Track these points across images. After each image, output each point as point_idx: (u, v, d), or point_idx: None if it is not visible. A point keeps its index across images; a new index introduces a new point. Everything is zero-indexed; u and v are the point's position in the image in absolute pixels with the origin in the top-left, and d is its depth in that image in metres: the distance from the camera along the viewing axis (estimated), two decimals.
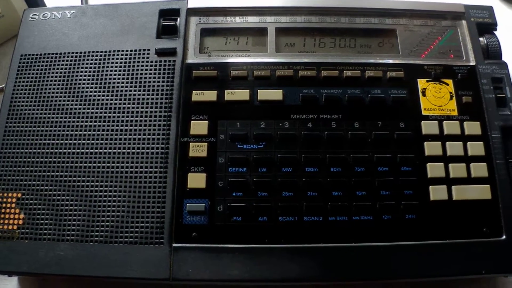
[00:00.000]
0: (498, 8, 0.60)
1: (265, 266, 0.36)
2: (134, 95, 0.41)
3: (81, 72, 0.42)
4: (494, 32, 0.45)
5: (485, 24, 0.45)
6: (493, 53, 0.44)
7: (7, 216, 0.38)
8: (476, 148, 0.40)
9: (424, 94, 0.42)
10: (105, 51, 0.43)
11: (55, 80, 0.42)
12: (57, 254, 0.36)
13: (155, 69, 0.42)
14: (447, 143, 0.40)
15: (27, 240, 0.37)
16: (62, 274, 0.36)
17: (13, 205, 0.38)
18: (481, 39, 0.45)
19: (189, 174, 0.38)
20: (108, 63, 0.42)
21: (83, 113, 0.41)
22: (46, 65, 0.43)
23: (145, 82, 0.41)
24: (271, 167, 0.39)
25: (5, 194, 0.39)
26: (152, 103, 0.40)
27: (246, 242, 0.37)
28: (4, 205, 0.38)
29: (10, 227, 0.38)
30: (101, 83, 0.41)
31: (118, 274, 0.36)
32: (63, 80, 0.42)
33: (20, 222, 0.38)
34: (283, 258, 0.36)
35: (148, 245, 0.36)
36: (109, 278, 0.36)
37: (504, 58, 0.44)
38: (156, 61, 0.42)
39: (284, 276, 0.36)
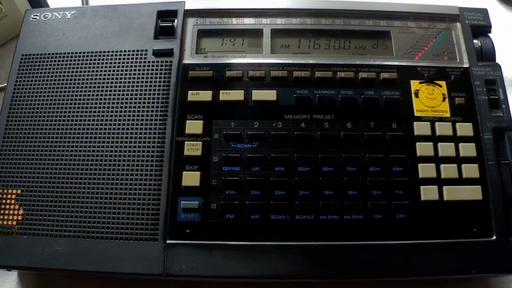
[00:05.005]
0: (496, 10, 0.60)
1: (256, 263, 0.37)
2: (132, 94, 0.42)
3: (80, 72, 0.43)
4: (489, 34, 0.46)
5: (480, 27, 0.45)
6: (487, 55, 0.44)
7: (6, 212, 0.39)
8: (468, 149, 0.40)
9: (417, 95, 0.42)
10: (104, 52, 0.44)
11: (55, 80, 0.43)
12: (55, 249, 0.37)
13: (152, 69, 0.43)
14: (439, 144, 0.40)
15: (25, 235, 0.38)
16: (59, 268, 0.37)
17: (13, 201, 0.39)
18: (475, 41, 0.45)
19: (183, 172, 0.39)
20: (106, 63, 0.43)
21: (81, 112, 0.41)
22: (46, 65, 0.44)
23: (142, 82, 0.42)
24: (264, 166, 0.39)
25: (5, 191, 0.40)
26: (149, 102, 0.41)
27: (239, 239, 0.37)
28: (4, 201, 0.39)
29: (10, 222, 0.39)
30: (99, 83, 0.42)
31: (114, 269, 0.37)
32: (63, 80, 0.43)
33: (19, 217, 0.39)
34: (274, 255, 0.37)
35: (143, 241, 0.37)
36: (105, 273, 0.37)
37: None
38: (153, 62, 0.43)
39: (275, 273, 0.36)
